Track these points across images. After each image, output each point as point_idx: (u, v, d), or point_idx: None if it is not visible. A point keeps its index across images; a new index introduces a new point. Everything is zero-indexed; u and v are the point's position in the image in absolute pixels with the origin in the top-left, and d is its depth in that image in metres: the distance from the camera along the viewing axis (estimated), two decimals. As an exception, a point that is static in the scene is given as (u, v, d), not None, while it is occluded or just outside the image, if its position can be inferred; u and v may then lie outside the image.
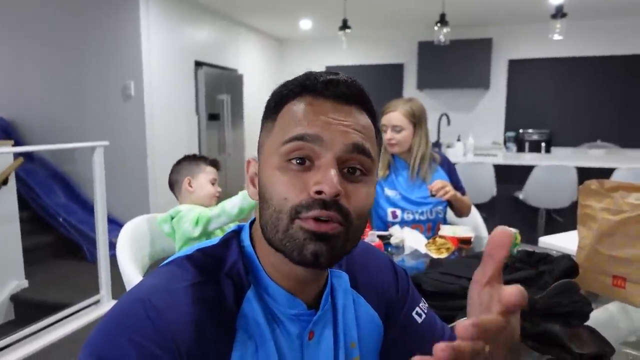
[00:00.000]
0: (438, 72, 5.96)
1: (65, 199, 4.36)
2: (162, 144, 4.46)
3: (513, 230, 0.40)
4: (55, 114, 4.54)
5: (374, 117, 0.62)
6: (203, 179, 1.67)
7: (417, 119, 1.92)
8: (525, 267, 1.15)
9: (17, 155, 3.26)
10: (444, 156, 2.08)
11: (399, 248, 1.70)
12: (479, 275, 0.44)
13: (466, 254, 1.63)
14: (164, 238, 1.61)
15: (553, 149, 5.69)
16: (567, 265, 1.13)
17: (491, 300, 0.42)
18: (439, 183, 1.83)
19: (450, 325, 0.80)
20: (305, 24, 5.91)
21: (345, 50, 5.14)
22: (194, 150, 4.80)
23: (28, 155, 4.13)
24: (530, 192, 3.90)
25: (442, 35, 4.16)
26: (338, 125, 0.56)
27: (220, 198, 1.71)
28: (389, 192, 1.97)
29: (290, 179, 0.55)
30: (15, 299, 3.20)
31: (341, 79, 0.58)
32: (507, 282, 0.44)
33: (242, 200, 1.47)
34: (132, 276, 1.29)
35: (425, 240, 1.67)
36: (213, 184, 1.70)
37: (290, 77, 0.61)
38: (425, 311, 0.75)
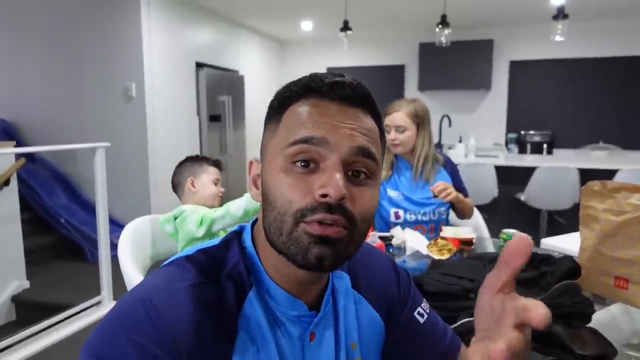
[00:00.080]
0: (439, 74, 5.96)
1: (66, 200, 4.37)
2: (164, 145, 4.47)
3: (526, 236, 0.40)
4: (57, 115, 4.54)
5: (379, 120, 0.61)
6: (206, 179, 1.68)
7: (421, 120, 1.92)
8: (527, 268, 1.15)
9: (18, 156, 3.27)
10: (447, 157, 2.08)
11: (401, 249, 1.70)
12: (493, 281, 0.44)
13: (468, 255, 1.62)
14: (165, 239, 1.61)
15: (555, 151, 5.68)
16: (569, 267, 1.13)
17: (505, 310, 0.42)
18: (441, 184, 1.83)
19: (453, 326, 0.79)
20: (306, 26, 5.91)
21: (346, 51, 5.14)
22: (195, 151, 4.80)
23: (30, 156, 4.14)
24: (532, 194, 3.89)
25: (443, 36, 4.16)
26: (344, 128, 0.55)
27: (222, 198, 1.72)
28: (392, 193, 1.96)
29: (295, 181, 0.54)
30: (17, 299, 3.20)
31: (347, 81, 0.58)
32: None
33: (247, 202, 1.47)
34: (134, 277, 1.29)
35: (426, 242, 1.67)
36: (216, 184, 1.70)
37: (291, 79, 0.61)
38: (428, 311, 0.75)
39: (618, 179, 3.53)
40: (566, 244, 1.60)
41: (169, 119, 4.56)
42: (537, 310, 0.40)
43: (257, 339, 0.57)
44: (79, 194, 4.48)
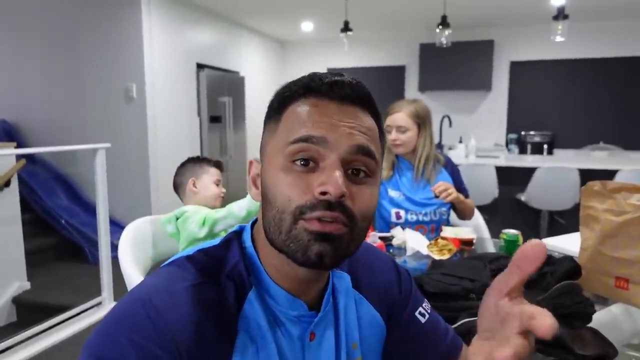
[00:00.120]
0: (440, 74, 5.96)
1: (67, 201, 4.38)
2: (164, 146, 4.47)
3: (541, 242, 0.39)
4: (58, 116, 4.55)
5: (378, 119, 0.62)
6: (207, 180, 1.68)
7: (422, 120, 1.92)
8: (527, 268, 1.15)
9: (19, 157, 3.28)
10: (448, 158, 2.08)
11: (401, 249, 1.70)
12: (501, 284, 0.44)
13: (468, 255, 1.62)
14: (166, 239, 1.61)
15: (555, 151, 5.68)
16: (570, 267, 1.13)
17: (510, 314, 0.42)
18: (442, 185, 1.83)
19: (454, 326, 0.79)
20: (307, 26, 5.92)
21: (346, 52, 5.14)
22: (195, 152, 4.81)
23: (30, 158, 4.15)
24: (533, 194, 3.89)
25: (444, 37, 4.16)
26: (343, 127, 0.56)
27: (224, 199, 1.72)
28: (393, 193, 1.97)
29: (294, 180, 0.55)
30: (17, 301, 3.21)
31: (346, 81, 0.58)
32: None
33: (249, 203, 1.47)
34: (134, 278, 1.29)
35: (427, 242, 1.67)
36: (217, 184, 1.71)
37: (291, 80, 0.61)
38: (429, 311, 0.75)
39: (618, 179, 3.53)
40: (567, 244, 1.59)
41: (170, 119, 4.56)
42: (544, 320, 0.39)
43: (257, 339, 0.57)
44: (79, 195, 4.49)
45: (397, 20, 5.65)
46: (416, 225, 1.92)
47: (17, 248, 3.21)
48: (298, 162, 0.55)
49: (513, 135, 5.89)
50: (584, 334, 0.94)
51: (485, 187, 3.91)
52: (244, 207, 1.48)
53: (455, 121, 5.11)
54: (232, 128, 5.43)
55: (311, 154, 0.55)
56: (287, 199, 0.54)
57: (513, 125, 6.01)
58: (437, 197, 1.82)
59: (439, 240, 1.64)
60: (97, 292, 3.08)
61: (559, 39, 3.73)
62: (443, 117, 4.85)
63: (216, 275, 0.58)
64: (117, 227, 3.70)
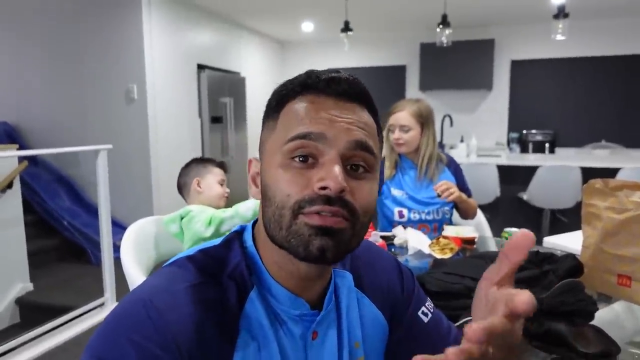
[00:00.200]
0: (440, 74, 5.95)
1: (69, 203, 4.38)
2: (165, 147, 4.48)
3: (529, 232, 0.39)
4: (59, 117, 4.56)
5: (376, 115, 0.62)
6: (211, 180, 1.69)
7: (425, 119, 1.93)
8: (529, 266, 1.15)
9: (21, 159, 3.28)
10: (451, 157, 2.08)
11: (403, 248, 1.70)
12: (492, 273, 0.44)
13: (470, 254, 1.62)
14: (168, 240, 1.61)
15: (557, 150, 5.67)
16: (572, 265, 1.13)
17: (498, 301, 0.42)
18: (444, 184, 1.83)
19: (455, 325, 0.79)
20: (307, 27, 5.92)
21: (347, 52, 5.13)
22: (196, 153, 4.82)
23: (32, 159, 4.15)
24: (535, 193, 3.89)
25: (444, 36, 4.16)
26: (341, 123, 0.56)
27: (228, 199, 1.73)
28: (396, 192, 1.97)
29: (293, 176, 0.55)
30: (21, 302, 3.22)
31: (343, 77, 0.58)
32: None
33: (255, 204, 1.48)
34: (137, 278, 1.30)
35: (429, 241, 1.67)
36: (221, 184, 1.71)
37: (291, 79, 0.61)
38: (432, 310, 0.75)
39: (620, 177, 3.53)
40: (569, 242, 1.59)
41: (171, 120, 4.57)
42: (520, 296, 0.39)
43: (258, 338, 0.57)
44: (81, 197, 4.49)
45: (398, 19, 5.65)
46: (419, 224, 1.93)
47: (20, 249, 3.22)
48: (297, 159, 0.55)
49: (514, 134, 5.89)
50: (587, 331, 0.93)
51: (486, 186, 3.90)
52: (251, 207, 1.49)
53: (456, 120, 5.11)
54: (233, 128, 5.44)
55: (310, 150, 0.55)
56: (286, 195, 0.54)
57: (514, 124, 6.00)
58: (439, 196, 1.82)
59: (441, 239, 1.65)
60: (100, 292, 3.09)
61: (559, 37, 3.72)
62: (444, 117, 4.84)
63: (217, 275, 0.58)
64: (119, 228, 3.71)
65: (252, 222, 0.65)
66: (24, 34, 4.58)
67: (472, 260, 1.34)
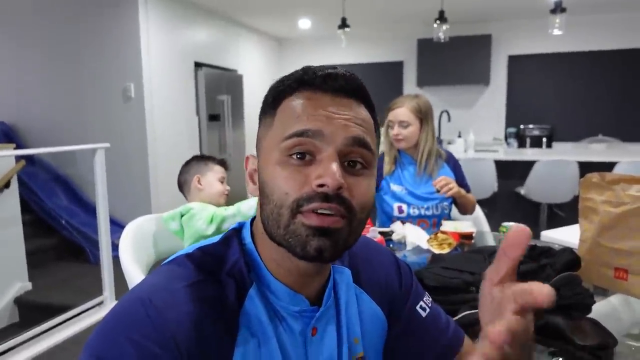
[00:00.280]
0: (438, 69, 5.95)
1: (67, 202, 4.38)
2: (163, 145, 4.47)
3: (525, 227, 0.39)
4: (56, 117, 4.55)
5: (373, 111, 0.62)
6: (212, 177, 1.69)
7: (424, 115, 1.94)
8: (527, 260, 1.15)
9: (18, 158, 3.27)
10: (450, 153, 2.09)
11: (401, 244, 1.70)
12: (492, 273, 0.44)
13: (468, 249, 1.63)
14: (166, 238, 1.61)
15: (554, 144, 5.68)
16: (569, 258, 1.13)
17: (505, 298, 0.42)
18: (443, 179, 1.83)
19: (454, 319, 0.80)
20: (304, 24, 5.91)
21: (344, 49, 5.13)
22: (194, 151, 4.81)
23: (29, 159, 4.14)
24: (532, 187, 3.90)
25: (441, 32, 4.16)
26: (338, 119, 0.56)
27: (228, 196, 1.73)
28: (395, 188, 1.98)
29: (291, 173, 0.55)
30: (19, 301, 3.22)
31: (339, 73, 0.58)
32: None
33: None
34: (135, 277, 1.29)
35: (427, 236, 1.68)
36: (222, 182, 1.71)
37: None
38: (430, 305, 0.75)
39: (617, 171, 3.54)
40: (566, 236, 1.60)
41: (168, 118, 4.56)
42: (541, 289, 0.39)
43: (258, 335, 0.57)
44: (79, 196, 4.49)
45: (395, 16, 5.64)
46: (418, 220, 1.94)
47: (18, 249, 3.22)
48: (294, 156, 0.55)
49: (512, 129, 5.89)
50: (584, 324, 0.94)
51: (484, 181, 3.91)
52: (253, 206, 1.49)
53: (453, 116, 5.11)
54: (231, 126, 5.43)
55: (307, 147, 0.55)
56: (284, 192, 0.54)
57: (512, 119, 6.01)
58: (438, 191, 1.83)
59: (439, 235, 1.65)
60: (99, 291, 3.09)
61: (556, 32, 3.73)
62: (442, 112, 4.84)
63: (216, 272, 0.58)
64: (117, 226, 3.71)
65: (250, 219, 0.65)
66: (21, 33, 4.56)
67: (470, 255, 1.34)
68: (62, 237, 4.10)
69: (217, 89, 5.19)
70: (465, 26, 5.75)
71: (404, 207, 1.96)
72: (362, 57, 6.55)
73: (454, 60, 5.81)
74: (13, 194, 3.19)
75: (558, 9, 3.66)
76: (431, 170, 1.97)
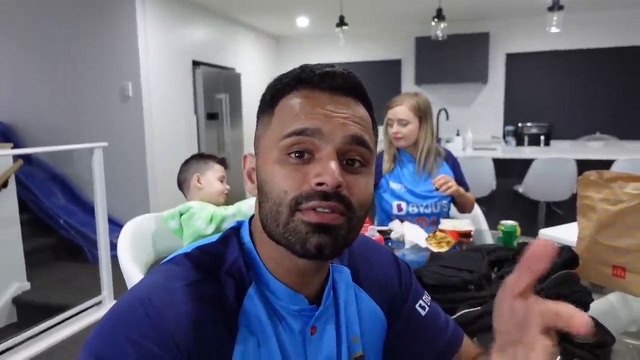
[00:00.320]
0: (436, 68, 5.95)
1: (65, 201, 4.37)
2: (161, 144, 4.46)
3: (549, 242, 0.39)
4: (54, 116, 4.53)
5: (371, 109, 0.62)
6: (211, 176, 1.69)
7: (423, 113, 1.94)
8: (525, 259, 1.15)
9: (16, 157, 3.27)
10: (449, 151, 2.10)
11: (400, 242, 1.71)
12: (512, 284, 0.43)
13: (466, 247, 1.63)
14: (165, 237, 1.61)
15: (552, 142, 5.69)
16: (567, 256, 1.14)
17: (530, 314, 0.42)
18: (442, 178, 1.84)
19: (452, 317, 0.80)
20: (302, 22, 5.90)
21: (342, 47, 5.13)
22: (193, 150, 4.80)
23: (27, 158, 4.13)
24: (530, 185, 3.90)
25: (439, 30, 4.15)
26: (337, 118, 0.56)
27: (228, 195, 1.73)
28: (394, 186, 1.98)
29: (290, 172, 0.55)
30: (17, 301, 3.21)
31: (337, 71, 0.58)
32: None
33: None
34: (134, 276, 1.29)
35: (425, 235, 1.68)
36: (221, 181, 1.71)
37: (285, 74, 0.61)
38: (429, 304, 0.75)
39: (615, 169, 3.54)
40: (564, 234, 1.60)
41: (166, 117, 4.55)
42: (581, 318, 0.39)
43: (257, 334, 0.57)
44: (77, 195, 4.48)
45: (393, 14, 5.64)
46: (417, 218, 1.94)
47: (16, 249, 3.21)
48: (293, 155, 0.55)
49: (510, 127, 5.90)
50: (582, 322, 0.94)
51: (482, 179, 3.91)
52: (253, 205, 1.48)
53: (452, 114, 5.11)
54: (229, 125, 5.42)
55: (306, 146, 0.55)
56: (283, 191, 0.54)
57: (510, 117, 6.02)
58: (437, 189, 1.83)
59: (437, 233, 1.65)
60: (97, 291, 3.08)
61: (554, 30, 3.73)
62: (440, 111, 4.84)
63: (215, 272, 0.58)
64: (115, 225, 3.70)
65: (248, 217, 0.65)
66: (18, 33, 4.54)
67: (468, 253, 1.34)
68: (60, 236, 4.09)
69: (215, 87, 5.18)
70: (463, 24, 5.75)
71: (403, 205, 1.96)
72: (360, 55, 6.54)
73: (452, 58, 5.81)
74: (11, 194, 3.19)
75: (555, 6, 3.66)
76: (430, 169, 1.97)
